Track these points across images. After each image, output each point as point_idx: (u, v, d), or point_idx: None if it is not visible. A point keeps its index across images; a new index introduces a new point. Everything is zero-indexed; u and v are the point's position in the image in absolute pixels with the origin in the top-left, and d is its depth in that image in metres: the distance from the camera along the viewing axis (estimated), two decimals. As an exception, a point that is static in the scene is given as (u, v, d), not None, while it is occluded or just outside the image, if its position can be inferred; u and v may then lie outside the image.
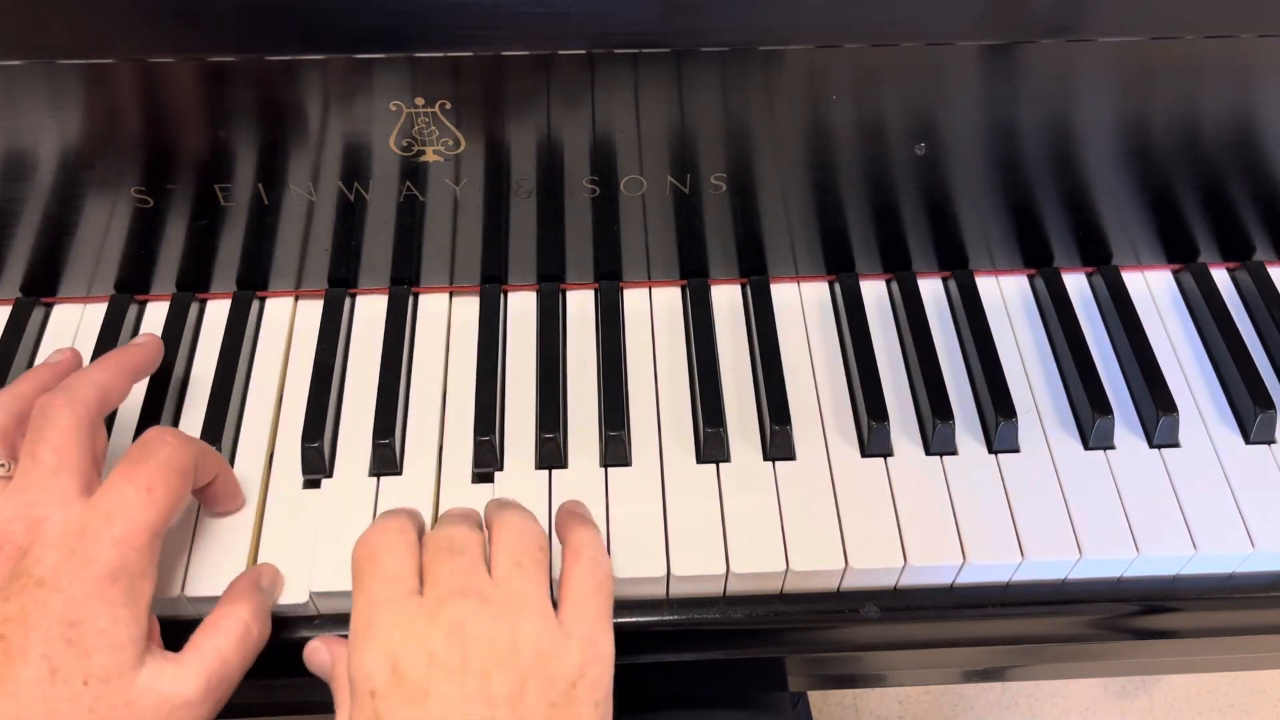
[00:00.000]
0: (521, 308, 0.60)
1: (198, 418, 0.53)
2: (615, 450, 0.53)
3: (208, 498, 0.49)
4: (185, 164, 0.53)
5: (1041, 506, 0.51)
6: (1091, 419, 0.54)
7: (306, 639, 0.49)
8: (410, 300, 0.59)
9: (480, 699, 0.38)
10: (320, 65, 0.49)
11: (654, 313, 0.60)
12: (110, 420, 0.55)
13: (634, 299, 0.60)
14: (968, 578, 0.50)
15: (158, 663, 0.41)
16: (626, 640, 0.51)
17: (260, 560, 0.49)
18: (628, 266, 0.59)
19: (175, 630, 0.44)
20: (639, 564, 0.49)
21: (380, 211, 0.56)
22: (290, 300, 0.60)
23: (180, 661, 0.42)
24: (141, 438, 0.44)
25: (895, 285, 0.60)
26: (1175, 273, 0.62)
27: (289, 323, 0.59)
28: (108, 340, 0.57)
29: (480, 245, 0.58)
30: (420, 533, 0.44)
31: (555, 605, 0.42)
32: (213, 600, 0.46)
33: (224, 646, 0.43)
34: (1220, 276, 0.62)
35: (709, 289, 0.60)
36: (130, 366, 0.50)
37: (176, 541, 0.49)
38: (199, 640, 0.43)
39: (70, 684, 0.38)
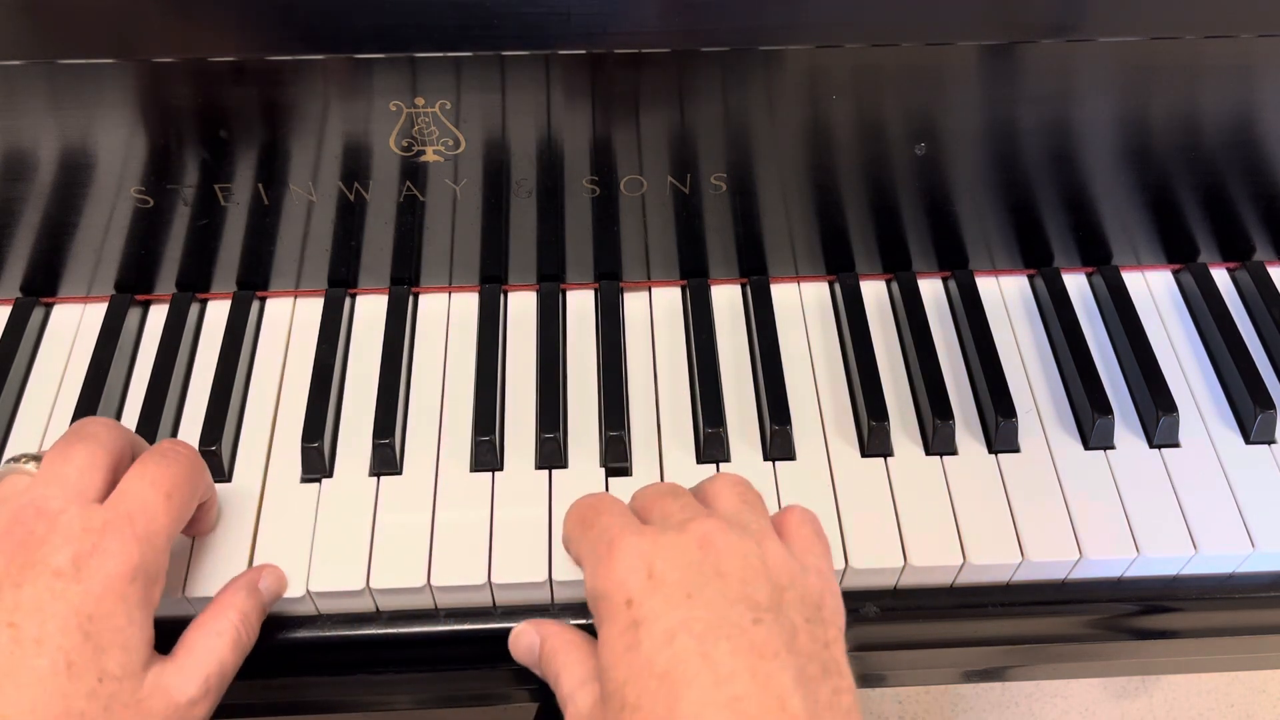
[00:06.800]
0: (521, 308, 0.60)
1: (198, 418, 0.53)
2: (615, 450, 0.52)
3: (194, 518, 0.48)
4: (185, 164, 0.53)
5: (1041, 506, 0.51)
6: (1091, 419, 0.54)
7: (306, 639, 0.49)
8: (410, 300, 0.59)
9: (744, 602, 0.38)
10: (320, 65, 0.49)
11: (654, 313, 0.59)
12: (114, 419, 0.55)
13: (634, 299, 0.60)
14: (968, 578, 0.50)
15: (160, 664, 0.41)
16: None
17: (259, 561, 0.49)
18: (628, 266, 0.59)
19: (175, 630, 0.44)
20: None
21: (380, 211, 0.56)
22: (290, 300, 0.60)
23: (179, 662, 0.42)
24: (158, 445, 0.44)
25: (895, 285, 0.60)
26: (1175, 273, 0.62)
27: (289, 323, 0.59)
28: (108, 340, 0.57)
29: (480, 245, 0.58)
30: None
31: None
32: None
33: (219, 648, 0.43)
34: (1220, 276, 0.62)
35: (709, 289, 0.60)
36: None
37: (177, 543, 0.49)
38: (192, 641, 0.43)
39: (86, 678, 0.38)
